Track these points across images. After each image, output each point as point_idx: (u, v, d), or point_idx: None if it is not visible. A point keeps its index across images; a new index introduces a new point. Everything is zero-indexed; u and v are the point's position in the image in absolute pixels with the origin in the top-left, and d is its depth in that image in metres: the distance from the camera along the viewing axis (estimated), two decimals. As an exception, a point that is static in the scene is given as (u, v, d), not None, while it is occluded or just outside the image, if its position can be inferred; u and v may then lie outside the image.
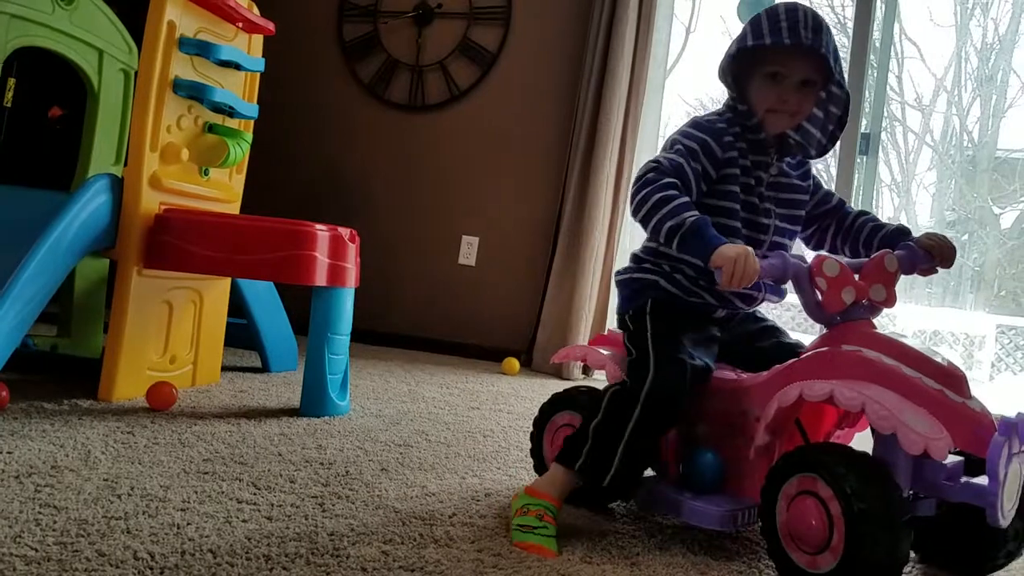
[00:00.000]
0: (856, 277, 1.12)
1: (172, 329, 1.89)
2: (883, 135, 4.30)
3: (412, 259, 3.45)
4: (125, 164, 1.85)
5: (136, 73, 2.11)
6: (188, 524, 1.04)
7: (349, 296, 1.90)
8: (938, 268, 1.24)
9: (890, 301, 1.12)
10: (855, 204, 3.16)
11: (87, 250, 1.69)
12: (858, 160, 3.11)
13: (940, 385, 1.01)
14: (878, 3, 3.17)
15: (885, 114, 4.66)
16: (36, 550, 0.91)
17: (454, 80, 3.44)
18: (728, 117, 1.25)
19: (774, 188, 1.27)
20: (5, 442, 1.33)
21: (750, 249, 1.08)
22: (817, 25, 1.19)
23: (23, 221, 1.65)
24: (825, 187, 1.37)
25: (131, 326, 1.75)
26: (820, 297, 1.13)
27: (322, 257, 1.80)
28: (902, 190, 8.45)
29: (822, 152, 1.29)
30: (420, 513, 1.18)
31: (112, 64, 2.20)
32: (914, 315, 6.78)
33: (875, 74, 3.27)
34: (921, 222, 8.83)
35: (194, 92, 1.84)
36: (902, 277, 1.16)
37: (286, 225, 1.80)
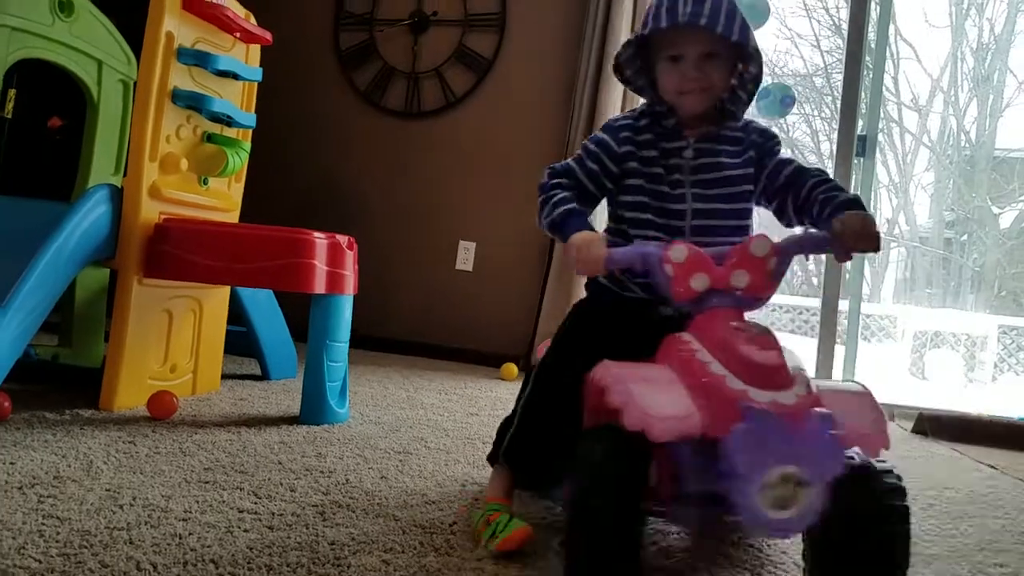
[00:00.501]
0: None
1: (172, 338, 1.90)
2: (880, 136, 4.31)
3: (410, 265, 3.46)
4: (124, 174, 1.86)
5: (135, 83, 2.12)
6: (190, 534, 1.05)
7: (348, 303, 1.90)
8: (853, 254, 1.07)
9: (755, 288, 1.01)
10: (852, 206, 3.18)
11: (88, 260, 1.70)
12: (855, 162, 3.12)
13: (729, 372, 0.91)
14: (872, 4, 3.18)
15: (882, 115, 4.67)
16: (40, 561, 0.92)
17: (450, 87, 3.45)
18: (641, 110, 1.24)
19: (696, 171, 1.20)
20: (8, 453, 1.34)
21: (598, 236, 1.08)
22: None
23: (24, 232, 1.66)
24: (781, 156, 1.22)
25: (132, 335, 1.76)
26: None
27: (321, 265, 1.81)
28: (900, 191, 8.45)
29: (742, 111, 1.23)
30: (420, 521, 1.19)
31: (111, 75, 2.21)
32: (914, 317, 6.78)
33: (871, 76, 3.28)
34: (920, 222, 8.84)
35: (193, 102, 1.85)
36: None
37: (285, 233, 1.81)
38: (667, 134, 1.22)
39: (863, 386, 1.00)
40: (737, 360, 0.92)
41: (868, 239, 1.03)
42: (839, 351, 3.13)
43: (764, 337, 0.95)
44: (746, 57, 1.17)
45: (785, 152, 1.23)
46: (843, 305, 3.17)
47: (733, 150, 1.21)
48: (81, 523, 1.05)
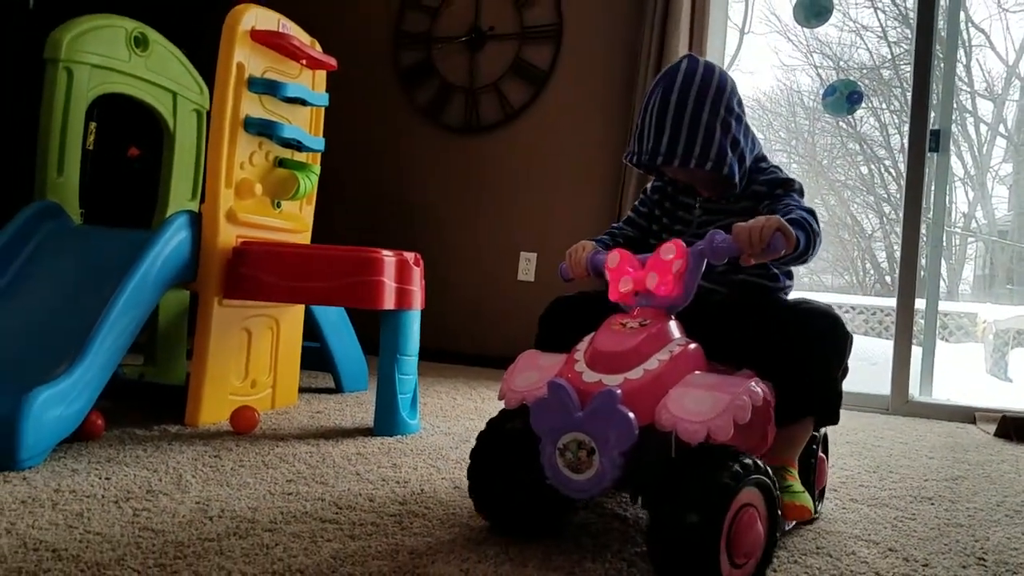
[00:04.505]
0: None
1: (252, 355, 1.97)
2: (953, 128, 4.16)
3: (473, 278, 3.50)
4: (202, 200, 1.94)
5: (208, 112, 2.21)
6: (276, 545, 1.09)
7: (416, 318, 1.95)
8: (754, 259, 1.11)
9: (663, 289, 1.11)
10: (927, 203, 3.07)
11: (171, 284, 1.78)
12: (928, 156, 3.02)
13: (586, 361, 1.07)
14: (941, -8, 3.08)
15: (955, 106, 4.50)
16: (138, 572, 0.97)
17: (508, 100, 3.49)
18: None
19: (701, 226, 1.35)
20: (103, 468, 1.42)
21: (590, 244, 1.31)
22: (660, 128, 1.27)
23: (110, 258, 1.76)
24: (778, 199, 1.29)
25: (213, 354, 1.83)
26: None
27: (389, 282, 1.85)
28: (976, 184, 8.12)
29: (743, 180, 1.32)
30: (495, 531, 1.21)
31: (185, 105, 2.31)
32: (993, 314, 6.48)
33: (942, 66, 3.18)
34: (999, 215, 8.45)
35: (264, 129, 1.92)
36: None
37: (354, 253, 1.86)
38: (682, 192, 1.42)
39: (756, 383, 1.04)
40: (592, 349, 1.07)
41: (754, 242, 1.08)
42: (916, 352, 3.03)
43: (632, 333, 1.07)
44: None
45: (791, 196, 1.29)
46: (919, 304, 3.07)
47: (738, 208, 1.33)
48: (174, 535, 1.11)
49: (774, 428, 1.20)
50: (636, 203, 1.49)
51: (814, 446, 1.36)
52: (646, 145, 1.29)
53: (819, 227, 1.21)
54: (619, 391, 0.99)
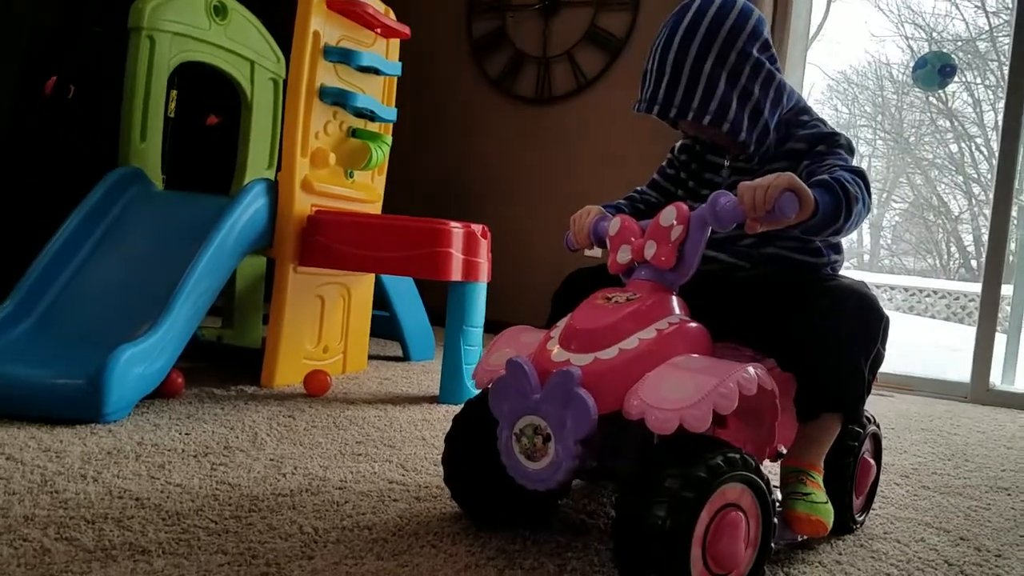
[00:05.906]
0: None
1: (325, 321, 2.03)
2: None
3: (541, 251, 3.49)
4: (278, 168, 1.98)
5: (284, 81, 2.25)
6: (346, 502, 1.12)
7: (482, 290, 1.96)
8: (760, 226, 0.95)
9: (659, 258, 0.99)
10: (1020, 184, 2.90)
11: (248, 250, 1.84)
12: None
13: (559, 339, 0.96)
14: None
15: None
16: (215, 522, 1.02)
17: (581, 69, 3.44)
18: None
19: (733, 188, 1.02)
20: (183, 424, 1.48)
21: (592, 209, 1.18)
22: (660, 73, 1.10)
23: (191, 222, 1.82)
24: (820, 157, 1.10)
25: (289, 319, 1.89)
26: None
27: (457, 253, 1.87)
28: (1076, 163, 7.66)
29: (761, 138, 1.13)
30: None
31: (263, 74, 2.36)
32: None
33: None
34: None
35: (339, 99, 1.95)
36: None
37: (424, 224, 1.88)
38: (709, 150, 1.24)
39: (753, 368, 0.90)
40: (567, 325, 0.97)
41: (758, 203, 0.92)
42: (999, 340, 2.89)
43: (615, 308, 0.96)
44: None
45: (836, 154, 1.10)
46: (1006, 290, 2.92)
47: (768, 168, 1.12)
48: (250, 489, 1.15)
49: (793, 423, 1.07)
50: (663, 164, 1.33)
51: (854, 444, 1.16)
52: (646, 92, 1.13)
53: (864, 192, 1.01)
54: (579, 372, 0.88)
